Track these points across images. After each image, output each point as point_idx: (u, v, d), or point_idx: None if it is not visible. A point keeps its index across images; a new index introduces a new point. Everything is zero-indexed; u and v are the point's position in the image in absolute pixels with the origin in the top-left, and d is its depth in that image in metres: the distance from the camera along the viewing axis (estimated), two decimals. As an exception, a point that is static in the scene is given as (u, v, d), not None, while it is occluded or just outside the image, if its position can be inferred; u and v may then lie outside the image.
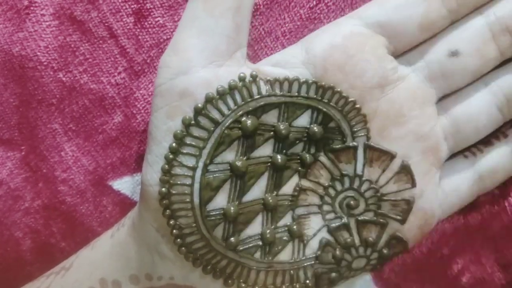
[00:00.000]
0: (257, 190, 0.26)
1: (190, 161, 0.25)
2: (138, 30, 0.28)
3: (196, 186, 0.25)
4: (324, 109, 0.26)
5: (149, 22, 0.28)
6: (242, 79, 0.25)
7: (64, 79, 0.29)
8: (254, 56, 0.28)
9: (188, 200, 0.25)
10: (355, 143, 0.26)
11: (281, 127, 0.26)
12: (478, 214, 0.31)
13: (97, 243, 0.29)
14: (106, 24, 0.28)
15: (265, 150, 0.26)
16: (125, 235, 0.28)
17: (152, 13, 0.28)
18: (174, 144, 0.25)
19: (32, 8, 0.28)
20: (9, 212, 0.31)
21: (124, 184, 0.30)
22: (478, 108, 0.27)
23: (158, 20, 0.28)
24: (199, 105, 0.24)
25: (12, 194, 0.31)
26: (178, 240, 0.25)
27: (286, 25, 0.28)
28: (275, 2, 0.28)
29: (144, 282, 0.27)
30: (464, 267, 0.31)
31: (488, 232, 0.31)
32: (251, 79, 0.25)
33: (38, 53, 0.28)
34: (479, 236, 0.31)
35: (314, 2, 0.28)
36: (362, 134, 0.26)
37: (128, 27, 0.28)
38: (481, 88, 0.27)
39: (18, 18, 0.28)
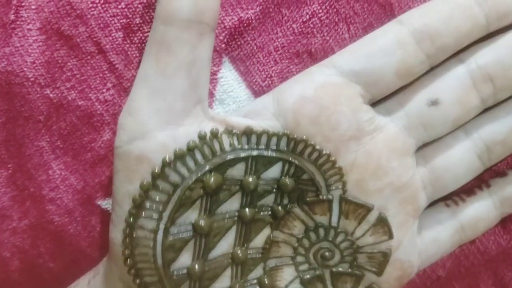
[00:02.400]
0: (225, 245, 0.26)
1: (150, 224, 0.24)
2: (127, 45, 0.27)
3: (159, 248, 0.25)
4: (296, 162, 0.25)
5: (139, 37, 0.27)
6: (202, 137, 0.24)
7: (51, 95, 0.28)
8: (246, 71, 0.28)
9: (151, 260, 0.25)
10: (329, 196, 0.26)
11: (249, 180, 0.25)
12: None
13: None
14: (94, 39, 0.27)
15: (232, 205, 0.25)
16: (100, 284, 0.27)
17: (141, 28, 0.27)
18: (133, 210, 0.24)
19: (18, 22, 0.27)
20: (-3, 231, 0.30)
21: (113, 204, 0.30)
22: (458, 156, 0.26)
23: (148, 35, 0.27)
24: (156, 170, 0.24)
25: (-1, 213, 0.30)
26: None
27: (279, 39, 0.28)
28: (267, 16, 0.27)
29: None
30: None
31: (486, 256, 0.30)
32: (211, 136, 0.24)
33: (25, 69, 0.28)
34: (476, 259, 0.31)
35: (307, 16, 0.27)
36: (338, 187, 0.25)
37: (117, 42, 0.27)
38: (461, 137, 0.27)
39: (4, 33, 0.27)
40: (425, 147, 0.27)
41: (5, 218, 0.30)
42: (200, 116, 0.25)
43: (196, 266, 0.25)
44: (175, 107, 0.24)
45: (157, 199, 0.24)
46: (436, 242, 0.27)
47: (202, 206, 0.25)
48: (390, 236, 0.26)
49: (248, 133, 0.25)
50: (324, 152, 0.25)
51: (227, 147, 0.25)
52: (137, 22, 0.27)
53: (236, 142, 0.25)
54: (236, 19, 0.27)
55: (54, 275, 0.31)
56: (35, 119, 0.28)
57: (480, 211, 0.28)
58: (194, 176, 0.24)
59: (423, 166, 0.27)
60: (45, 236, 0.30)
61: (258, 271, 0.26)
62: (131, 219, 0.24)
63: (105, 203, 0.29)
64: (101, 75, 0.28)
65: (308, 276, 0.26)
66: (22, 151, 0.29)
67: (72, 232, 0.30)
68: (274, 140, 0.25)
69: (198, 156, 0.24)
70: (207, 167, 0.25)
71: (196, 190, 0.25)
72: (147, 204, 0.24)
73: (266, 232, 0.26)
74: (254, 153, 0.25)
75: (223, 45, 0.27)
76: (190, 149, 0.24)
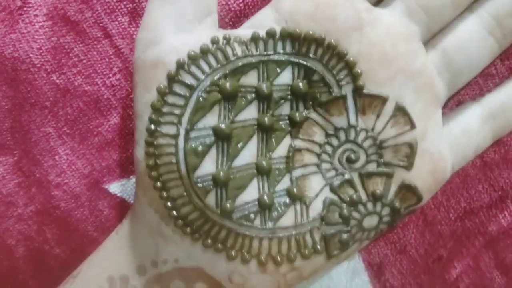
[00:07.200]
0: (248, 155, 0.25)
1: (171, 130, 0.24)
2: (133, 29, 0.28)
3: (181, 154, 0.24)
4: (305, 63, 0.25)
5: (145, 22, 0.28)
6: (215, 42, 0.25)
7: (57, 81, 0.28)
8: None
9: (175, 169, 0.24)
10: (343, 93, 0.25)
11: (263, 86, 0.25)
12: (475, 217, 0.31)
13: (103, 244, 0.28)
14: (100, 24, 0.28)
15: (250, 113, 0.25)
16: (128, 227, 0.27)
17: (147, 13, 0.28)
18: (153, 115, 0.24)
19: (25, 8, 0.27)
20: (1, 218, 0.30)
21: (120, 187, 0.30)
22: (466, 34, 0.26)
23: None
24: (172, 72, 0.24)
25: (4, 200, 0.30)
26: (173, 212, 0.25)
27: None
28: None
29: (151, 271, 0.26)
30: (463, 272, 0.31)
31: (486, 236, 0.31)
32: (224, 41, 0.25)
33: (31, 55, 0.28)
34: (477, 240, 0.31)
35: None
36: (348, 82, 0.25)
37: (123, 26, 0.28)
38: (467, 16, 0.26)
39: (11, 19, 0.27)
40: (434, 37, 0.26)
41: (10, 205, 0.30)
42: (211, 27, 0.25)
43: (221, 172, 0.24)
44: (187, 12, 0.24)
45: (175, 103, 0.24)
46: (466, 133, 0.27)
47: (221, 112, 0.25)
48: (412, 126, 0.25)
49: (255, 39, 0.25)
50: (326, 42, 0.25)
51: (239, 53, 0.25)
52: (143, 6, 0.27)
53: (246, 49, 0.25)
54: (241, 1, 0.27)
55: (60, 261, 0.31)
56: (41, 105, 0.29)
57: (509, 95, 0.27)
58: (209, 79, 0.24)
59: (434, 52, 0.26)
60: (51, 222, 0.30)
61: (285, 183, 0.26)
62: (152, 127, 0.24)
63: (113, 187, 0.30)
64: (107, 59, 0.28)
65: (337, 182, 0.26)
66: (28, 137, 0.29)
67: (79, 217, 0.30)
68: (280, 44, 0.25)
69: (212, 60, 0.24)
70: (222, 72, 0.24)
71: (213, 93, 0.24)
72: (165, 109, 0.24)
73: (287, 141, 0.26)
74: (264, 58, 0.25)
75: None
76: (204, 52, 0.24)
